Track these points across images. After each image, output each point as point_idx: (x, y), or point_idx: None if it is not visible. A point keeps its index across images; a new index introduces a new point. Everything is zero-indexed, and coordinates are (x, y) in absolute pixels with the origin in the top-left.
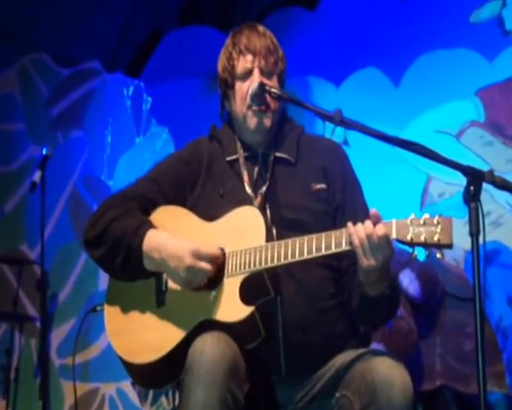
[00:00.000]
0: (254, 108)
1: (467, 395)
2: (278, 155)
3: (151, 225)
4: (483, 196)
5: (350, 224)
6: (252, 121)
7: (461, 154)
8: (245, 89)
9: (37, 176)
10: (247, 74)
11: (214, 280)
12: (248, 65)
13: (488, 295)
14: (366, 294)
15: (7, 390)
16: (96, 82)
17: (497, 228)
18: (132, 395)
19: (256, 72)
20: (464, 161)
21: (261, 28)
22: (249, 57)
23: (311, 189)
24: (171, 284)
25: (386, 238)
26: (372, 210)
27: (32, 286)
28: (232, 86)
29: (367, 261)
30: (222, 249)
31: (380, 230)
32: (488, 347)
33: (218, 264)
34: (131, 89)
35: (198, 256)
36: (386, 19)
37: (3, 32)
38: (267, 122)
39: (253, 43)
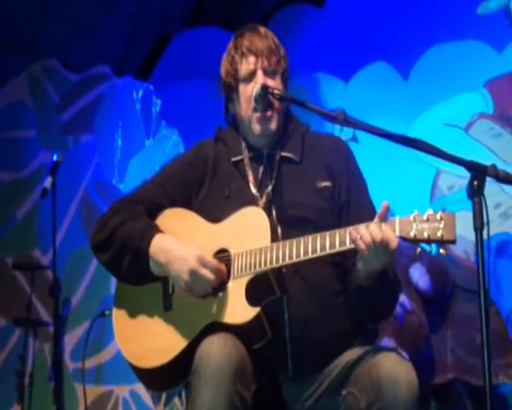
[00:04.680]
0: (258, 114)
1: (479, 387)
2: (283, 154)
3: (158, 229)
4: (493, 189)
5: (352, 230)
6: (256, 128)
7: (470, 146)
8: (249, 91)
9: (48, 182)
10: (251, 76)
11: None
12: (251, 66)
13: (498, 286)
14: (360, 285)
15: (21, 395)
16: (106, 86)
17: (507, 220)
18: (145, 396)
19: (259, 72)
20: (473, 154)
21: (262, 29)
22: (252, 59)
23: (316, 187)
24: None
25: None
26: (384, 202)
27: (44, 291)
28: (236, 89)
29: (373, 264)
30: (227, 251)
31: (385, 232)
32: (499, 338)
33: (222, 277)
34: (141, 92)
35: (202, 263)
36: (393, 13)
37: (12, 39)
38: (272, 126)
39: (254, 44)
